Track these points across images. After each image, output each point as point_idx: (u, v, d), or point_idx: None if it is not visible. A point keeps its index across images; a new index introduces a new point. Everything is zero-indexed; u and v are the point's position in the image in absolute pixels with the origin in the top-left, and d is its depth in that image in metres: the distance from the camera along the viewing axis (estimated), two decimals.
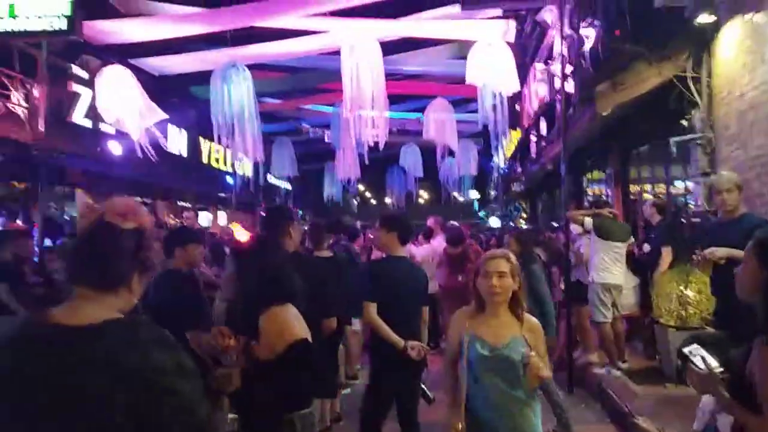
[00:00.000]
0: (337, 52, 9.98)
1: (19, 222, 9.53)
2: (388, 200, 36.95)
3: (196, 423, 1.29)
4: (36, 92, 7.70)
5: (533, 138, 9.48)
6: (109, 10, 8.45)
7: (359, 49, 7.61)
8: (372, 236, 7.30)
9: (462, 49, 10.53)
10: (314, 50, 8.82)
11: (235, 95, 8.01)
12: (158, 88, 8.87)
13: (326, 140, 14.73)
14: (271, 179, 18.30)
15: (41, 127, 7.66)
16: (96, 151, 9.34)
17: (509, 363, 2.14)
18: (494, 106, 7.43)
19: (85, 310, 1.33)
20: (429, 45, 10.65)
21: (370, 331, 3.75)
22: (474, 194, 27.61)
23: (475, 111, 14.64)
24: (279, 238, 3.15)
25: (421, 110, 12.65)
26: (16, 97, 7.47)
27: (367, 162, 12.48)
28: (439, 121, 10.86)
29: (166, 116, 8.62)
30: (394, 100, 10.64)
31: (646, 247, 6.44)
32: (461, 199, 31.00)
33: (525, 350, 2.13)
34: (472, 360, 2.16)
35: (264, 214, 3.39)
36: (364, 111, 7.77)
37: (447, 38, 8.47)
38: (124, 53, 9.21)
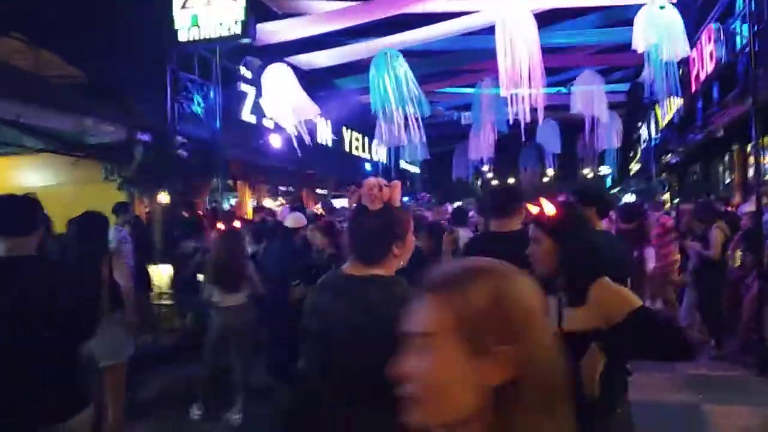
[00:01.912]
0: (474, 33, 9.98)
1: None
2: (511, 180, 36.17)
3: None
4: (212, 94, 8.40)
5: (698, 104, 8.80)
6: (266, 12, 9.06)
7: (513, 23, 7.48)
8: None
9: (607, 17, 10.04)
10: (465, 30, 8.79)
11: (393, 81, 8.25)
12: (308, 83, 9.35)
13: (462, 122, 14.71)
14: (402, 164, 18.71)
15: (217, 125, 8.35)
16: (258, 144, 10.04)
17: None
18: (666, 74, 6.98)
19: (361, 267, 1.68)
20: (568, 17, 10.25)
21: None
22: (605, 170, 26.24)
23: (618, 81, 13.94)
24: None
25: (561, 84, 12.24)
26: (197, 99, 8.20)
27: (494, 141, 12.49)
28: (587, 93, 10.45)
29: (319, 111, 9.10)
30: None
31: None
32: (590, 175, 29.61)
33: None
34: None
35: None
36: (519, 89, 7.63)
37: (606, 4, 8.06)
38: (280, 52, 9.82)
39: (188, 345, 5.86)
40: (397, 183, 1.69)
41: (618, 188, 23.56)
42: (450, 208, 12.34)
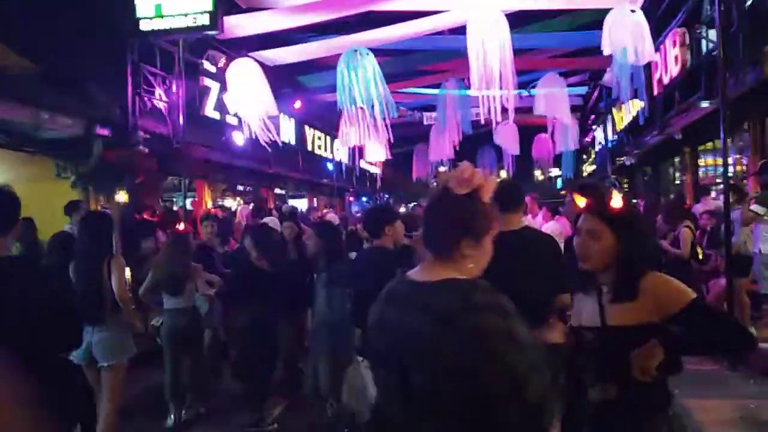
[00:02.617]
0: (438, 33, 9.98)
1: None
2: None
3: (524, 400, 1.21)
4: (174, 88, 8.05)
5: (658, 107, 9.08)
6: (230, 5, 8.76)
7: (485, 23, 7.49)
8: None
9: (570, 20, 10.24)
10: (437, 29, 8.76)
11: (362, 79, 8.10)
12: (271, 80, 9.11)
13: (425, 122, 14.71)
14: (362, 164, 18.57)
15: (180, 121, 8.01)
16: (221, 141, 9.72)
17: None
18: (632, 77, 7.14)
19: (432, 271, 1.43)
20: (533, 19, 10.41)
21: None
22: (556, 171, 26.96)
23: (575, 85, 14.29)
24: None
25: (523, 86, 12.40)
26: (158, 93, 7.84)
27: (458, 142, 12.58)
28: (550, 96, 10.61)
29: (277, 113, 8.86)
30: None
31: None
32: (541, 177, 30.33)
33: None
34: None
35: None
36: (490, 90, 7.63)
37: (575, 7, 8.19)
38: (243, 47, 9.53)
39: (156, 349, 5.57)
40: (495, 178, 1.50)
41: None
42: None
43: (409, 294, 1.42)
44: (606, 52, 7.29)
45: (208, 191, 11.80)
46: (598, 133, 15.39)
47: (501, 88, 7.54)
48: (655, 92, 8.24)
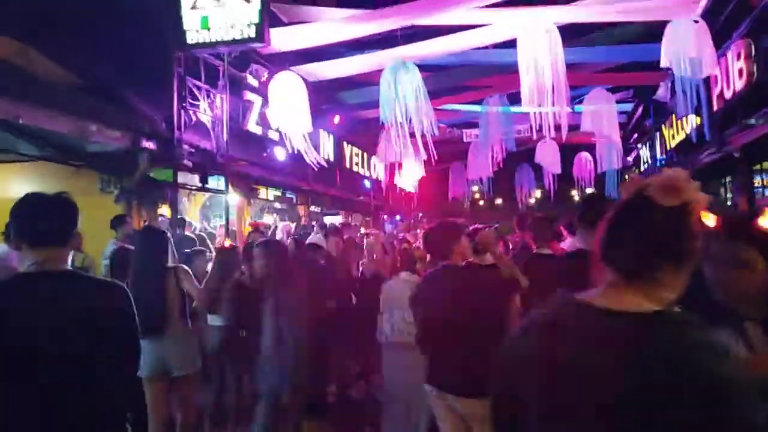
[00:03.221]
0: (483, 48, 9.75)
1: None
2: (498, 201, 35.98)
3: None
4: (218, 102, 7.99)
5: (718, 124, 8.67)
6: (273, 19, 8.70)
7: (537, 34, 7.25)
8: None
9: (616, 35, 9.92)
10: (486, 43, 8.55)
11: (406, 94, 7.93)
12: (311, 95, 9.02)
13: (464, 140, 14.47)
14: (398, 182, 18.34)
15: (225, 136, 7.93)
16: (262, 156, 9.63)
17: None
18: (687, 91, 6.80)
19: (621, 297, 1.15)
20: (580, 33, 10.12)
21: None
22: (588, 191, 26.36)
23: (619, 102, 13.88)
24: None
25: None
26: (203, 106, 7.78)
27: (501, 159, 12.28)
28: (597, 112, 10.29)
29: (311, 129, 8.73)
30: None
31: None
32: (577, 197, 29.64)
33: None
34: None
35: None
36: (537, 108, 7.34)
37: (630, 19, 7.90)
38: (285, 61, 9.47)
39: None
40: (708, 196, 1.24)
41: None
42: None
43: (593, 326, 1.13)
44: (664, 64, 6.98)
45: (247, 208, 11.72)
46: (644, 152, 14.90)
47: (552, 104, 7.29)
48: (715, 108, 7.85)
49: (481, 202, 37.97)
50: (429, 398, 3.39)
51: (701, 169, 10.45)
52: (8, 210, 2.00)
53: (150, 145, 6.82)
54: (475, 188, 21.20)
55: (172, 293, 3.77)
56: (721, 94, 7.70)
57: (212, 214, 12.32)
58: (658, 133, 12.81)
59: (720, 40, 7.60)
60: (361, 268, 6.47)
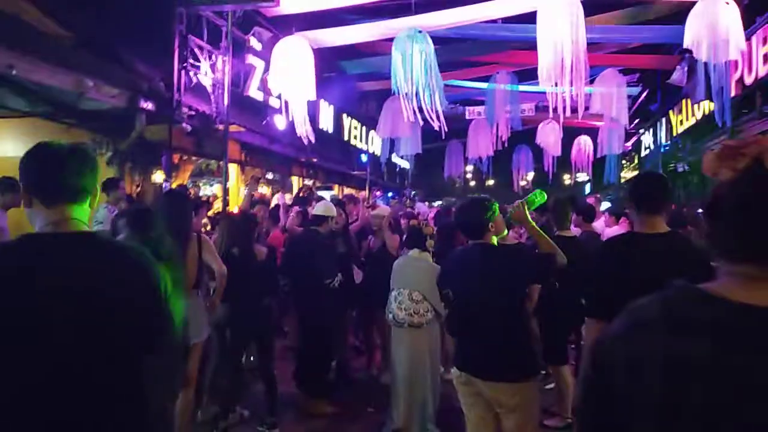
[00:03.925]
0: (492, 21, 9.41)
1: None
2: (490, 182, 35.88)
3: None
4: (219, 64, 7.60)
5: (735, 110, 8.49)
6: None
7: (560, 11, 6.94)
8: None
9: (638, 15, 9.64)
10: (504, 15, 8.21)
11: (417, 63, 7.60)
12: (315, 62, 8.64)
13: (467, 117, 14.17)
14: (394, 158, 18.00)
15: (225, 100, 7.57)
16: (261, 124, 9.27)
17: None
18: (711, 74, 6.57)
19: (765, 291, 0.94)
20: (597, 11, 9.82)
21: None
22: (582, 176, 26.20)
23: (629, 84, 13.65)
24: None
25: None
26: (204, 68, 7.40)
27: (506, 138, 11.99)
28: (607, 94, 10.04)
29: (314, 98, 8.37)
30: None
31: None
32: (568, 181, 29.56)
33: None
34: None
35: None
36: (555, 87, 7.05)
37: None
38: (291, 26, 9.05)
39: None
40: None
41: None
42: (423, 207, 11.74)
43: (740, 328, 0.92)
44: (687, 44, 6.72)
45: (240, 177, 11.37)
46: (646, 138, 14.73)
47: (571, 83, 7.01)
48: (733, 93, 7.65)
49: (473, 183, 37.88)
50: (455, 383, 3.18)
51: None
52: None
53: (148, 105, 6.46)
54: (468, 168, 20.97)
55: (191, 262, 3.57)
56: (740, 80, 7.49)
57: (201, 182, 11.93)
58: (664, 119, 12.63)
59: (744, 25, 7.36)
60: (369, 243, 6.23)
